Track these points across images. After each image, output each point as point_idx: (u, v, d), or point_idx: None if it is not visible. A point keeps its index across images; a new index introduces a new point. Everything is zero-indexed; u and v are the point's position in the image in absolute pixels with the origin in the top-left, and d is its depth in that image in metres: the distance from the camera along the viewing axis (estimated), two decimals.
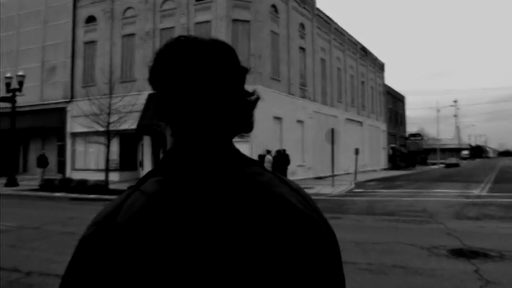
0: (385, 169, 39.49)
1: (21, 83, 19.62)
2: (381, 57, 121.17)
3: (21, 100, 21.34)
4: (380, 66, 42.10)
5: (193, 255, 0.61)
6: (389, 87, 46.27)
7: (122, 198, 0.69)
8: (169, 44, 0.75)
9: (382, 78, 43.04)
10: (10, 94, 19.49)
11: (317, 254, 0.69)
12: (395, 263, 5.57)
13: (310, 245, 0.69)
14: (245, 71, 0.77)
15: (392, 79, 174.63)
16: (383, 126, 41.63)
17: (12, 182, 19.11)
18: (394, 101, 48.28)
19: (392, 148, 43.26)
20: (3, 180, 20.05)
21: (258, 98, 0.78)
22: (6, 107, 21.53)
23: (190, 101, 0.71)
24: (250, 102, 0.77)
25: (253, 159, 0.77)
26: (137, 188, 0.69)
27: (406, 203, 12.97)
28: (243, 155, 0.76)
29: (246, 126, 0.78)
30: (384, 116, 42.69)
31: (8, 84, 19.62)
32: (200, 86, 0.70)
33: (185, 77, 0.71)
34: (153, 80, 0.75)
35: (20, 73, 19.98)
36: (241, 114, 0.75)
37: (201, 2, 20.48)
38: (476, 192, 16.30)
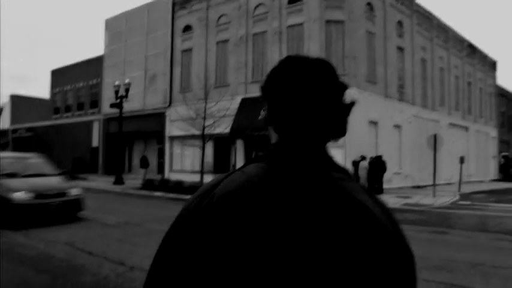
0: (494, 180, 35.27)
1: (127, 91, 21.38)
2: (493, 54, 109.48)
3: (127, 106, 23.28)
4: (491, 65, 37.76)
5: (272, 241, 0.70)
6: (502, 88, 41.33)
7: (224, 175, 0.82)
8: (281, 63, 0.90)
9: (494, 78, 38.57)
10: (118, 101, 21.35)
11: (389, 268, 0.71)
12: None
13: (382, 256, 0.71)
14: (342, 86, 0.87)
15: (507, 79, 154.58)
16: (493, 132, 37.29)
17: (119, 181, 20.84)
18: (509, 104, 42.99)
19: (505, 157, 38.42)
20: (112, 179, 21.99)
21: (353, 103, 0.87)
22: (114, 113, 23.67)
23: (296, 110, 0.83)
24: (345, 108, 0.86)
25: (342, 167, 0.85)
26: (240, 169, 0.82)
27: None
28: (334, 162, 0.85)
29: (340, 132, 0.87)
30: (495, 120, 38.23)
31: (116, 92, 21.53)
32: (304, 98, 0.83)
33: (293, 90, 0.84)
34: (265, 91, 0.90)
35: (127, 81, 21.79)
36: (337, 122, 0.86)
37: (293, 4, 20.28)
38: None
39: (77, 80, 34.53)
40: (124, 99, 21.43)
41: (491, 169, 36.31)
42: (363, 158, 17.43)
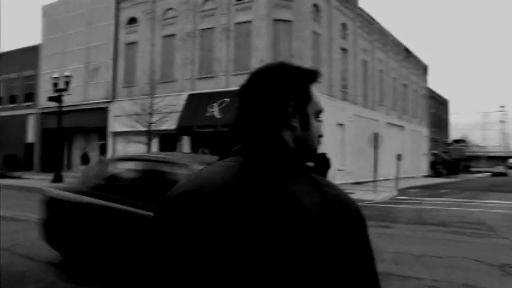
0: (425, 176, 37.96)
1: (67, 83, 20.17)
2: (425, 58, 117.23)
3: (67, 100, 21.97)
4: (423, 69, 40.54)
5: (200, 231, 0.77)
6: (432, 91, 44.52)
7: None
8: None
9: (425, 81, 41.45)
10: (57, 94, 20.07)
11: (311, 259, 0.73)
12: (465, 281, 5.04)
13: (304, 248, 0.73)
14: (289, 84, 0.94)
15: (436, 82, 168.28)
16: (425, 132, 40.06)
17: (58, 179, 19.62)
18: (437, 105, 46.41)
19: (434, 154, 41.51)
20: (50, 177, 20.68)
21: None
22: (52, 107, 22.26)
23: (240, 113, 0.92)
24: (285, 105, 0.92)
25: (294, 159, 0.86)
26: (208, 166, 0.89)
27: (457, 213, 12.19)
28: (284, 155, 0.85)
29: (289, 127, 0.90)
30: (426, 120, 41.07)
31: (55, 85, 20.23)
32: (244, 102, 0.92)
33: (241, 96, 0.94)
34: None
35: (67, 74, 20.55)
36: (281, 122, 0.89)
37: (242, 2, 20.31)
38: None
39: (9, 70, 31.94)
40: (64, 93, 20.20)
41: (423, 165, 38.99)
42: None
